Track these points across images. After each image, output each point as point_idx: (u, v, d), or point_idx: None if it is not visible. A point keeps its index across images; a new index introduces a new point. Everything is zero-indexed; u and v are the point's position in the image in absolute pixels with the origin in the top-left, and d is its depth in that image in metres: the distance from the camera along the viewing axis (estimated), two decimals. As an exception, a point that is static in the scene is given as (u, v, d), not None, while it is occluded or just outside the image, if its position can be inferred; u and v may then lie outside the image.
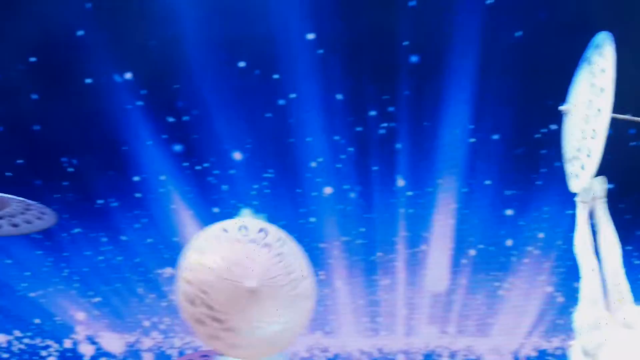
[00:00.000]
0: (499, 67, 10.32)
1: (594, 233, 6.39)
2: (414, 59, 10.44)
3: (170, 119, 10.70)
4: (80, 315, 10.62)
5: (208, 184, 10.73)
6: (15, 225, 7.24)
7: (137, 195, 10.67)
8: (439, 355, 10.68)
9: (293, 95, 10.58)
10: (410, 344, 10.71)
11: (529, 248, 10.62)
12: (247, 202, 10.70)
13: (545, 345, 10.67)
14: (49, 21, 10.41)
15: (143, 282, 10.67)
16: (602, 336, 5.91)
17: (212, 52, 10.49)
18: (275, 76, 10.55)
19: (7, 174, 10.50)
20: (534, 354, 10.69)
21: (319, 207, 10.78)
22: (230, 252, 6.02)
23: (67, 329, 10.63)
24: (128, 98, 10.64)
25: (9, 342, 10.58)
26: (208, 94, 10.66)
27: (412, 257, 10.69)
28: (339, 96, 10.58)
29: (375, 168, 10.69)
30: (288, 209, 10.72)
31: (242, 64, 10.54)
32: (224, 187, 10.72)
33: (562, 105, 6.60)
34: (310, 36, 10.41)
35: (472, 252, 10.63)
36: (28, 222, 7.24)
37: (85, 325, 10.63)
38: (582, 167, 6.25)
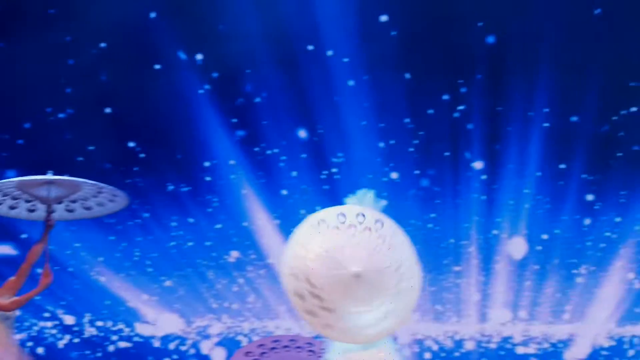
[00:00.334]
0: (576, 48, 10.18)
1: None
2: (490, 39, 10.35)
3: (240, 104, 10.72)
4: (152, 300, 10.68)
5: (278, 168, 10.71)
6: (88, 209, 7.32)
7: (208, 180, 10.70)
8: (514, 343, 10.55)
9: (365, 78, 10.53)
10: (483, 330, 10.59)
11: (606, 233, 10.42)
12: (317, 187, 10.72)
13: (621, 332, 10.49)
14: (121, 5, 10.53)
15: (213, 267, 10.69)
16: None
17: (282, 35, 10.49)
18: (345, 59, 10.52)
19: (78, 158, 10.61)
20: (610, 342, 10.51)
21: (390, 192, 10.70)
22: (331, 240, 6.05)
23: (137, 313, 10.70)
24: (198, 82, 10.68)
25: (81, 325, 10.68)
26: (278, 78, 10.66)
27: (485, 243, 10.56)
28: (411, 79, 10.52)
29: (447, 153, 10.59)
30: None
31: (310, 47, 10.54)
32: (294, 173, 10.70)
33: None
34: (384, 18, 10.38)
35: (545, 236, 10.45)
36: (100, 204, 7.32)
37: (155, 309, 10.68)
38: None
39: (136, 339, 10.64)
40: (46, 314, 10.58)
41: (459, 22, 10.39)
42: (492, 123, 10.50)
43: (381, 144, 10.67)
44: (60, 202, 7.18)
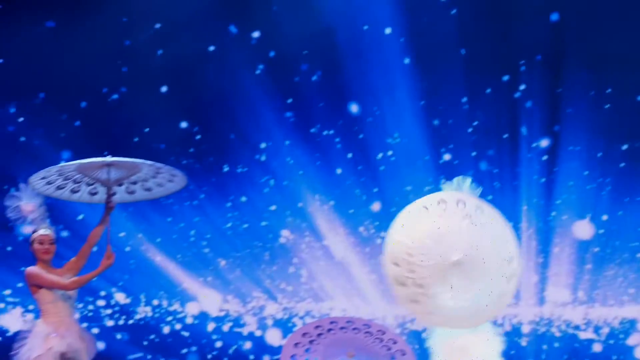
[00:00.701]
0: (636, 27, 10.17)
1: None
2: (554, 17, 10.35)
3: (296, 84, 10.80)
4: (207, 281, 10.83)
5: (334, 149, 10.79)
6: (148, 190, 7.45)
7: (263, 161, 10.83)
8: (574, 326, 10.56)
9: (422, 57, 10.60)
10: (541, 314, 10.62)
11: (669, 215, 10.41)
12: (372, 167, 10.78)
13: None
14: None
15: (269, 248, 10.84)
16: None
17: (339, 14, 10.56)
18: (402, 38, 10.57)
19: (134, 139, 10.79)
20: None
21: (446, 174, 10.70)
22: (432, 227, 6.22)
23: (193, 294, 10.85)
24: (254, 62, 10.78)
25: (136, 306, 10.87)
26: (334, 58, 10.73)
27: (544, 226, 10.57)
28: (470, 58, 10.55)
29: (505, 135, 10.61)
30: (415, 175, 10.73)
31: (366, 27, 10.59)
32: (349, 155, 10.79)
33: None
34: (444, -4, 10.51)
35: (605, 217, 10.43)
36: (160, 185, 7.45)
37: (211, 290, 10.82)
38: None
39: (191, 320, 10.81)
40: (102, 293, 10.78)
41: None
42: (552, 104, 10.47)
43: (437, 124, 10.71)
44: (120, 184, 7.33)
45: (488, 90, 10.58)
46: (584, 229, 10.47)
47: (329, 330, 8.39)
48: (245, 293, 10.80)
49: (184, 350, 10.77)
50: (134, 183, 7.39)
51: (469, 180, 6.60)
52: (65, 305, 7.08)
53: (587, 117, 10.45)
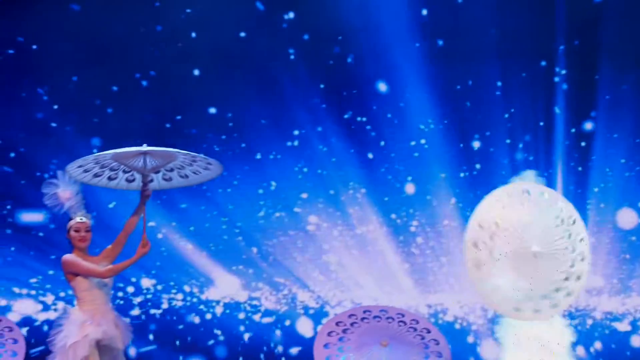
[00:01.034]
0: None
1: None
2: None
3: (328, 70, 10.90)
4: (239, 269, 10.97)
5: (368, 136, 10.93)
6: (184, 177, 7.57)
7: (296, 148, 10.96)
8: (612, 317, 10.65)
9: (456, 41, 10.73)
10: (576, 304, 10.68)
11: None
12: (406, 155, 10.86)
13: None
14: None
15: (301, 236, 10.94)
16: None
17: None
18: (437, 22, 10.73)
19: (166, 125, 10.96)
20: None
21: (482, 160, 10.85)
22: (516, 216, 6.47)
23: (225, 282, 10.96)
24: (286, 47, 10.91)
25: (168, 294, 10.99)
26: (367, 43, 10.82)
27: (581, 214, 10.62)
28: (507, 42, 10.68)
29: (542, 123, 10.71)
30: (449, 162, 10.85)
31: (399, 10, 10.71)
32: (382, 142, 10.91)
33: None
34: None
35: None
36: (196, 172, 7.55)
37: (243, 279, 10.96)
38: None
39: (222, 309, 10.94)
40: (133, 279, 10.91)
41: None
42: (590, 90, 10.53)
43: (471, 111, 10.81)
44: (157, 172, 7.46)
45: (524, 75, 10.66)
46: (622, 217, 10.53)
47: (363, 319, 8.56)
48: (277, 282, 10.91)
49: (214, 339, 10.89)
50: (171, 170, 7.50)
51: (533, 172, 6.82)
52: (101, 293, 7.22)
53: (626, 103, 10.49)
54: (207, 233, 10.93)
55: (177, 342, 10.90)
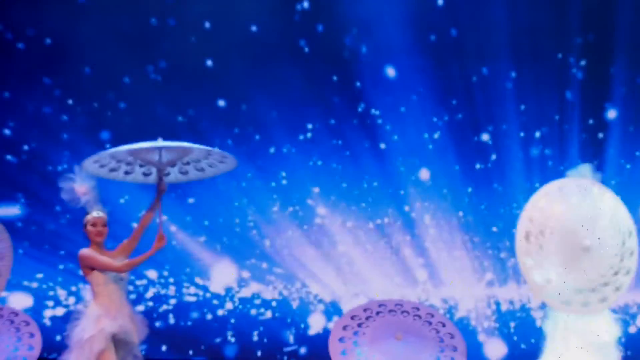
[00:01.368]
0: None
1: None
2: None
3: (341, 63, 11.01)
4: (252, 263, 11.11)
5: (381, 130, 11.06)
6: (200, 170, 7.73)
7: (310, 141, 11.10)
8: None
9: (470, 33, 10.85)
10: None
11: None
12: (420, 147, 11.00)
13: None
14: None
15: (315, 231, 11.07)
16: None
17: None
18: (451, 12, 10.88)
19: (179, 118, 11.09)
20: None
21: (498, 153, 10.98)
22: (568, 209, 6.68)
23: (239, 277, 11.09)
24: (297, 39, 11.06)
25: (180, 289, 11.12)
26: (380, 34, 10.96)
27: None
28: (521, 33, 10.81)
29: (557, 117, 10.84)
30: (464, 155, 11.01)
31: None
32: (395, 137, 11.04)
33: None
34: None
35: None
36: (211, 165, 7.72)
37: (257, 273, 11.08)
38: None
39: (235, 304, 11.08)
40: (145, 272, 11.05)
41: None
42: (605, 83, 10.66)
43: (486, 103, 10.92)
44: (173, 165, 7.63)
45: (539, 67, 10.77)
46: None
47: (378, 313, 8.70)
48: (291, 275, 11.04)
49: (227, 333, 11.05)
50: (187, 164, 7.66)
51: (588, 167, 7.01)
52: (116, 287, 7.35)
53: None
54: (221, 227, 11.06)
55: (189, 336, 11.05)
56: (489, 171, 10.95)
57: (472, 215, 10.93)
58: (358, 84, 11.04)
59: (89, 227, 7.46)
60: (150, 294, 11.06)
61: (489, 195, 10.91)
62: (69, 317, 9.90)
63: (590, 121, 10.76)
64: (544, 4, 10.76)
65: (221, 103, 11.13)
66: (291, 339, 11.01)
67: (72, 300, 10.98)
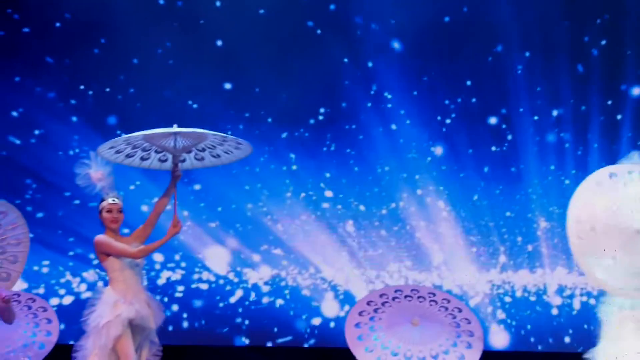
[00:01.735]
0: None
1: None
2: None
3: (352, 44, 11.10)
4: (266, 249, 11.19)
5: (395, 114, 11.14)
6: (216, 156, 7.89)
7: (322, 126, 11.21)
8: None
9: (486, 20, 10.97)
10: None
11: None
12: (433, 131, 11.12)
13: None
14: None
15: (328, 216, 11.18)
16: None
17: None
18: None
19: (193, 105, 11.19)
20: None
21: (513, 135, 11.11)
22: (620, 195, 6.87)
23: (258, 264, 11.20)
24: (312, 17, 11.16)
25: (200, 275, 11.19)
26: (391, 13, 11.08)
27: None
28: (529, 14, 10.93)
29: (571, 101, 10.95)
30: (477, 138, 11.12)
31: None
32: (407, 121, 11.11)
33: None
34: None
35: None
36: (227, 152, 7.87)
37: (270, 258, 11.20)
38: None
39: (248, 288, 11.19)
40: (160, 259, 11.11)
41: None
42: (622, 64, 10.81)
43: (501, 85, 11.04)
44: (189, 152, 7.79)
45: (554, 49, 10.91)
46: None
47: (394, 298, 8.86)
48: (305, 261, 11.14)
49: (240, 319, 11.15)
50: (202, 150, 7.80)
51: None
52: (132, 273, 7.52)
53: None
54: (234, 213, 11.16)
55: (203, 322, 11.13)
56: (504, 154, 11.07)
57: (487, 199, 11.05)
58: (370, 64, 11.15)
59: (105, 214, 7.62)
60: (162, 280, 11.15)
61: (505, 179, 11.03)
62: (78, 304, 10.25)
63: (609, 102, 10.88)
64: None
65: (230, 86, 11.23)
66: (304, 325, 11.12)
67: (83, 287, 11.10)
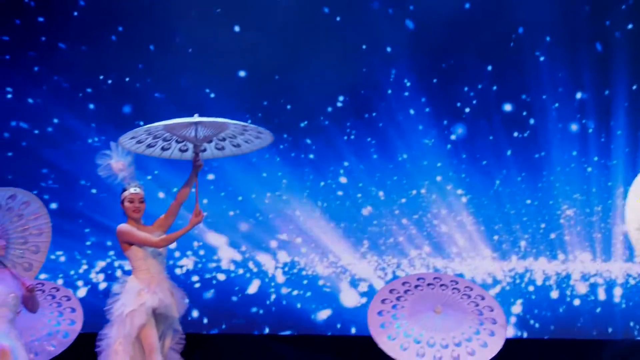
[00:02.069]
0: None
1: None
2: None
3: (372, 23, 11.20)
4: (286, 238, 11.35)
5: (416, 102, 11.28)
6: (236, 146, 8.01)
7: (340, 112, 11.33)
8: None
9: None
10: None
11: None
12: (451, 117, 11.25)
13: None
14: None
15: (349, 204, 11.32)
16: None
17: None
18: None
19: (210, 94, 11.29)
20: None
21: (535, 121, 11.22)
22: None
23: (275, 251, 11.33)
24: (329, 3, 11.27)
25: (209, 262, 11.34)
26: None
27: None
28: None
29: (593, 86, 11.10)
30: (497, 126, 11.23)
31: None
32: (427, 109, 11.25)
33: None
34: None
35: None
36: (247, 141, 7.98)
37: (291, 247, 11.34)
38: None
39: (269, 278, 11.33)
40: (187, 252, 11.29)
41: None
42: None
43: (521, 71, 11.15)
44: (210, 141, 7.89)
45: (577, 34, 11.03)
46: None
47: (417, 286, 8.94)
48: (326, 250, 11.27)
49: (260, 308, 11.29)
50: (223, 139, 7.91)
51: None
52: (155, 262, 7.66)
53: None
54: (254, 202, 11.28)
55: (222, 310, 11.27)
56: (526, 141, 11.19)
57: (509, 187, 11.17)
58: (389, 49, 11.26)
59: (126, 204, 7.76)
60: (181, 270, 11.26)
61: (526, 166, 11.17)
62: (94, 294, 10.39)
63: (634, 87, 11.00)
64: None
65: (245, 74, 11.33)
66: (324, 313, 11.24)
67: (100, 277, 11.25)
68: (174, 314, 7.72)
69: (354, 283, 11.28)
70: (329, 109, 11.32)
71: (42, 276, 10.67)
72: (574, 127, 11.14)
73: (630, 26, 10.97)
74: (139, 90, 11.33)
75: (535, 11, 11.09)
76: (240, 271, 11.33)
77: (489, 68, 11.22)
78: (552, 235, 11.13)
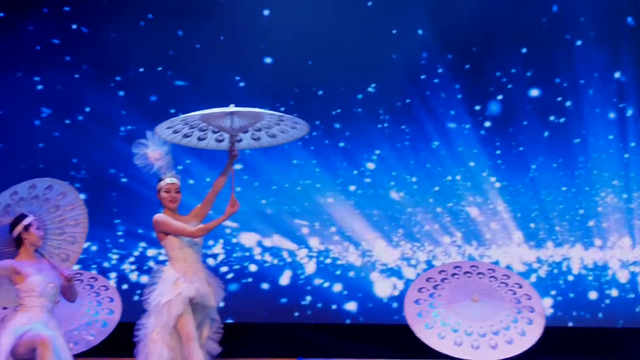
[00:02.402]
0: None
1: None
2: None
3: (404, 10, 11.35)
4: (319, 227, 11.49)
5: (448, 89, 11.46)
6: (272, 136, 8.15)
7: (370, 104, 11.45)
8: None
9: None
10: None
11: None
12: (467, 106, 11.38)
13: None
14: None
15: (381, 193, 11.48)
16: None
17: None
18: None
19: (240, 83, 11.44)
20: None
21: (563, 112, 11.37)
22: None
23: (308, 240, 11.51)
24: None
25: (246, 250, 11.49)
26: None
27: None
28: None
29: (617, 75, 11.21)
30: (524, 116, 11.38)
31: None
32: (459, 96, 11.42)
33: None
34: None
35: None
36: (283, 132, 8.09)
37: (324, 236, 11.49)
38: None
39: (303, 268, 11.46)
40: (210, 243, 11.40)
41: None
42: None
43: (546, 59, 11.27)
44: (245, 132, 8.02)
45: (601, 23, 11.17)
46: None
47: (453, 275, 9.08)
48: (358, 240, 11.42)
49: (294, 297, 11.44)
50: (259, 130, 8.03)
51: None
52: (191, 252, 7.79)
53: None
54: (287, 192, 11.44)
55: (254, 299, 11.40)
56: (562, 127, 11.30)
57: (545, 173, 11.28)
58: (420, 31, 11.37)
59: (163, 194, 7.88)
60: (213, 261, 11.37)
61: (562, 152, 11.28)
62: (127, 283, 10.56)
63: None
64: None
65: (270, 60, 11.47)
66: (359, 302, 11.36)
67: (132, 267, 11.43)
68: (212, 303, 7.83)
69: (387, 272, 11.39)
70: (359, 96, 11.44)
71: (75, 267, 10.89)
72: (612, 111, 11.23)
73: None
74: (168, 78, 11.47)
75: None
76: (275, 261, 11.48)
77: (524, 50, 11.30)
78: (591, 223, 11.23)
